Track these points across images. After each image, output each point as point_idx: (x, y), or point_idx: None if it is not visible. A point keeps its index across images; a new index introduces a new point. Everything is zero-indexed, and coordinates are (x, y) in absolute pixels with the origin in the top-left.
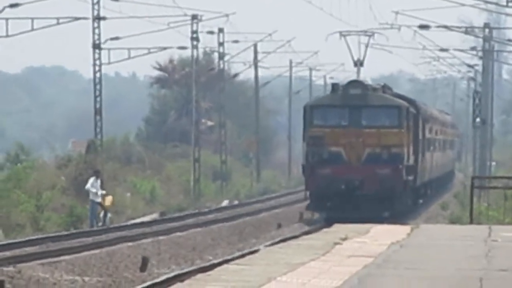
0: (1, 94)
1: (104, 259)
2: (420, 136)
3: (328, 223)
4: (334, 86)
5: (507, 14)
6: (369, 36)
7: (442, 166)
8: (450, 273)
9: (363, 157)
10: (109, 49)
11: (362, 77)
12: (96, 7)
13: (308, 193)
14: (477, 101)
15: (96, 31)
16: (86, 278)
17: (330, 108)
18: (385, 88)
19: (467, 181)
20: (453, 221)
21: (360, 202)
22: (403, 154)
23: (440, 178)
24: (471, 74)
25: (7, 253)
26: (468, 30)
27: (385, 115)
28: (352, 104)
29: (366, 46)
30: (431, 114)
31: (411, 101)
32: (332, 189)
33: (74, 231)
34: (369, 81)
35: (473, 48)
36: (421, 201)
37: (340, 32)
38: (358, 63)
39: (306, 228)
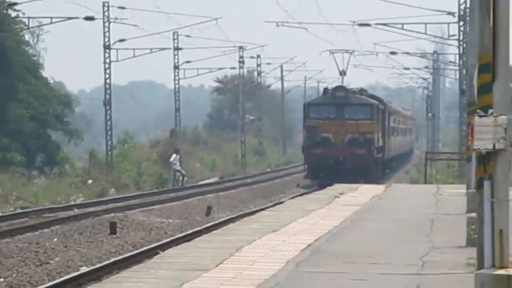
0: (114, 99)
1: (181, 207)
2: (386, 125)
3: (321, 187)
4: (325, 90)
5: (448, 44)
6: (350, 53)
7: (403, 146)
8: (411, 216)
9: (345, 141)
10: (184, 69)
11: (345, 83)
12: (175, 40)
13: (306, 166)
14: (429, 102)
15: (176, 57)
16: (170, 220)
17: (322, 106)
18: (362, 91)
19: (422, 155)
20: (413, 182)
21: (344, 173)
22: (374, 139)
23: (402, 155)
24: (425, 85)
25: (118, 204)
26: (423, 55)
27: (361, 110)
28: (337, 103)
29: (348, 60)
30: (395, 109)
31: (380, 100)
32: (323, 163)
33: (162, 189)
34: (350, 86)
35: (426, 67)
36: (387, 171)
37: (330, 51)
38: (342, 73)
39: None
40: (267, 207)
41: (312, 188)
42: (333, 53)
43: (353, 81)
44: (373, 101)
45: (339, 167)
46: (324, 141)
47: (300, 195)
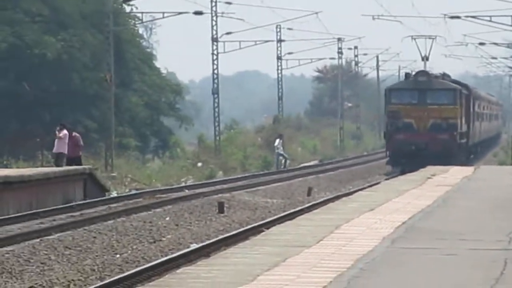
0: (221, 88)
1: (285, 188)
2: (471, 110)
3: (403, 174)
4: (407, 74)
5: None
6: (432, 39)
7: (489, 131)
8: (499, 195)
9: (428, 126)
10: (286, 60)
11: (428, 68)
12: (278, 33)
13: (387, 152)
14: None
15: (279, 49)
16: (274, 200)
17: (404, 91)
18: (444, 76)
19: (510, 139)
20: (501, 163)
21: (426, 159)
22: (457, 124)
23: (488, 140)
24: (511, 73)
25: (225, 185)
26: (509, 45)
27: (444, 95)
28: (420, 88)
29: (430, 46)
30: (479, 95)
31: (464, 85)
32: (405, 149)
33: (266, 171)
34: (433, 71)
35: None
36: (472, 156)
37: (412, 36)
38: (425, 58)
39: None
40: (364, 188)
41: (394, 174)
42: (415, 38)
43: (444, 70)
44: (456, 85)
45: (421, 153)
46: (406, 126)
47: (395, 176)
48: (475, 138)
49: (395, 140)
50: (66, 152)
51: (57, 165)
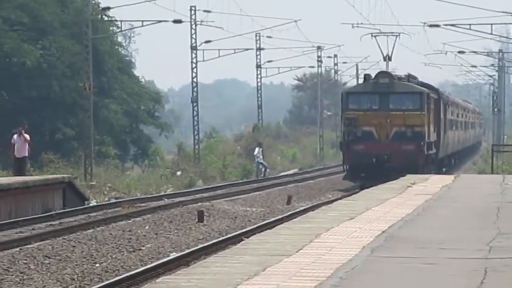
0: (200, 96)
1: (264, 197)
2: (442, 117)
3: (362, 189)
4: (366, 76)
5: None
6: (396, 36)
7: (466, 141)
8: (478, 203)
9: (390, 135)
10: (266, 68)
11: (390, 69)
12: (258, 41)
13: (345, 166)
14: (494, 97)
15: (258, 57)
16: (254, 209)
17: (363, 94)
18: (409, 77)
19: (489, 147)
20: (480, 172)
21: (388, 173)
22: (424, 133)
23: (464, 150)
24: (491, 81)
25: (205, 194)
26: (489, 54)
27: (408, 100)
28: (381, 91)
29: (394, 43)
30: (453, 101)
31: (433, 89)
32: (364, 162)
33: (246, 180)
34: (396, 72)
35: (492, 65)
36: (444, 169)
37: (371, 34)
38: (387, 58)
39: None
40: (343, 196)
41: (352, 191)
42: (375, 36)
43: (424, 79)
44: (423, 88)
45: (383, 166)
46: (365, 136)
47: (354, 193)
48: (447, 148)
49: (353, 151)
50: (27, 155)
51: (21, 169)
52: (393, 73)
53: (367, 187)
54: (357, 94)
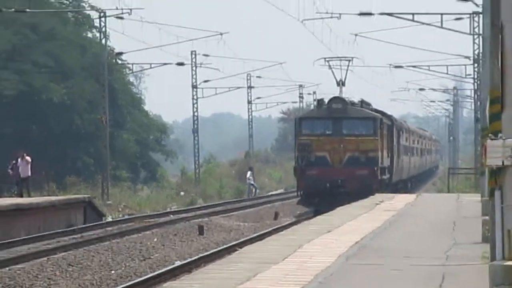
0: (200, 127)
1: (255, 213)
2: (395, 143)
3: (316, 214)
4: (319, 101)
5: (465, 82)
6: (348, 61)
7: (421, 166)
8: (438, 218)
9: (344, 160)
10: (256, 103)
11: (343, 95)
12: (249, 81)
13: (299, 191)
14: (450, 128)
15: (249, 94)
16: (246, 223)
17: (316, 120)
18: (362, 103)
19: (446, 170)
20: (439, 191)
21: (343, 198)
22: (378, 158)
23: (421, 174)
24: (447, 114)
25: (205, 211)
26: (445, 90)
27: (362, 125)
28: (334, 116)
29: (346, 69)
30: (407, 128)
31: (387, 115)
32: (318, 187)
33: (239, 199)
34: (350, 98)
35: (448, 100)
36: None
37: (325, 59)
38: (340, 83)
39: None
40: (322, 212)
41: (307, 215)
42: (328, 61)
43: (390, 112)
44: (376, 114)
45: (337, 191)
46: (319, 161)
47: (309, 218)
48: (401, 173)
49: (306, 176)
50: (30, 174)
51: (26, 187)
52: (346, 99)
53: (322, 212)
54: (310, 119)
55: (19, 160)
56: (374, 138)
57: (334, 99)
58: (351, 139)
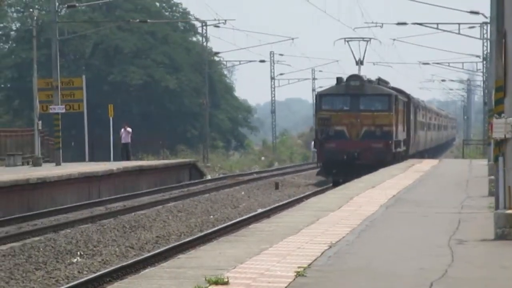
0: (277, 109)
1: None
2: (412, 118)
3: (335, 185)
4: (338, 79)
5: (477, 75)
6: (366, 41)
7: (438, 139)
8: (455, 177)
9: (361, 134)
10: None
11: (362, 73)
12: (313, 74)
13: (318, 163)
14: (465, 109)
15: (313, 84)
16: (311, 180)
17: (335, 96)
18: (380, 81)
19: (461, 142)
20: (456, 157)
21: (358, 169)
22: (392, 132)
23: (437, 147)
24: (462, 99)
25: (279, 172)
26: (461, 81)
27: (378, 101)
28: (352, 93)
29: (365, 48)
30: (424, 106)
31: (403, 93)
32: (336, 159)
33: (305, 162)
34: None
35: (463, 88)
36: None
37: (344, 39)
38: (359, 62)
39: None
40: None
41: (325, 186)
42: (348, 41)
43: (419, 97)
44: (391, 91)
45: (353, 162)
46: (337, 134)
47: (327, 189)
48: (418, 146)
49: (326, 148)
50: (129, 141)
51: (127, 152)
52: (363, 77)
53: (341, 183)
54: (330, 96)
55: (122, 130)
56: (389, 113)
57: (352, 77)
58: (367, 114)
